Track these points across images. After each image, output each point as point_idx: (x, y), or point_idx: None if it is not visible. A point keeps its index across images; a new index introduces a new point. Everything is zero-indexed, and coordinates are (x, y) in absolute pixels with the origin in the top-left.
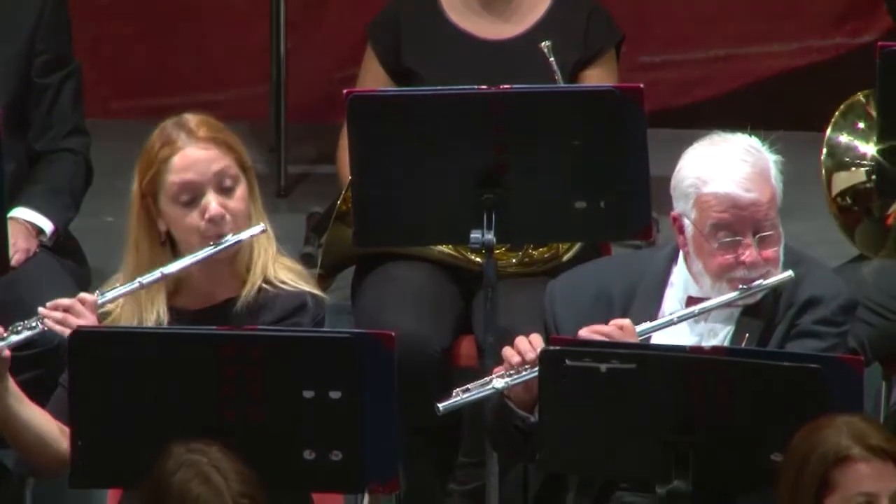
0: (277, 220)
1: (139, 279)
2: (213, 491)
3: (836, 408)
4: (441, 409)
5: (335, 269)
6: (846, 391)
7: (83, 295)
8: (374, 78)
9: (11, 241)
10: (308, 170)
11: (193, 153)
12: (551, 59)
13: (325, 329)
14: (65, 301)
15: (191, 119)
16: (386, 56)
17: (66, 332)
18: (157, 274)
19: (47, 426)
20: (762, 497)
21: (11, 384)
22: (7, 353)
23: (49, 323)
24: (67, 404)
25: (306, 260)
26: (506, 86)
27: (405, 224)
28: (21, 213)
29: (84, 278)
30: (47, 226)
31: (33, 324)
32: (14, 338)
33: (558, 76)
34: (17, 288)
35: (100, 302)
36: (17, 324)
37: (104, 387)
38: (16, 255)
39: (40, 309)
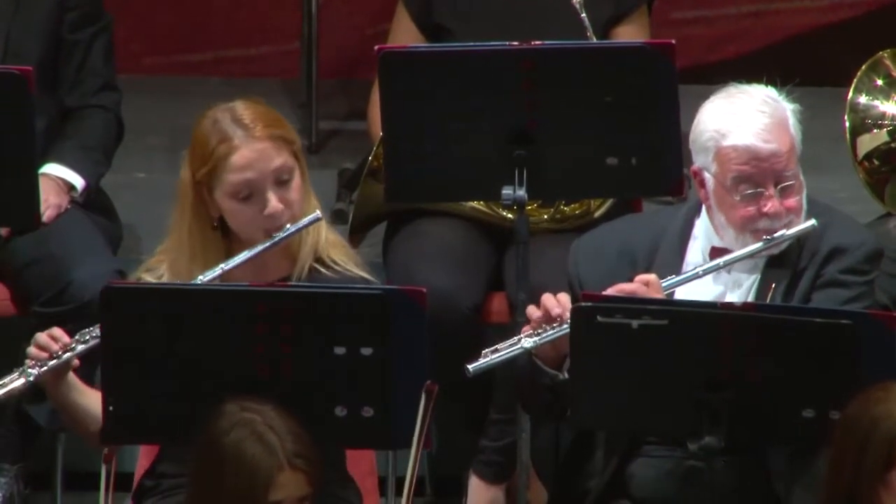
0: (309, 177)
1: (200, 277)
2: (267, 450)
3: (869, 365)
4: (471, 370)
5: (367, 225)
6: (879, 348)
7: None
8: (405, 34)
9: (43, 196)
10: (339, 126)
11: (252, 152)
12: (583, 14)
13: (356, 285)
14: None
15: (244, 113)
16: (417, 12)
17: None
18: (217, 271)
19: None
20: (793, 453)
21: (72, 378)
22: (77, 362)
23: None
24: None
25: (338, 216)
26: (537, 42)
27: (437, 180)
28: (52, 168)
29: (115, 234)
30: (78, 182)
31: (98, 332)
32: (81, 347)
33: (590, 32)
34: (48, 244)
35: None
36: (84, 332)
37: (136, 343)
38: (47, 212)
39: None
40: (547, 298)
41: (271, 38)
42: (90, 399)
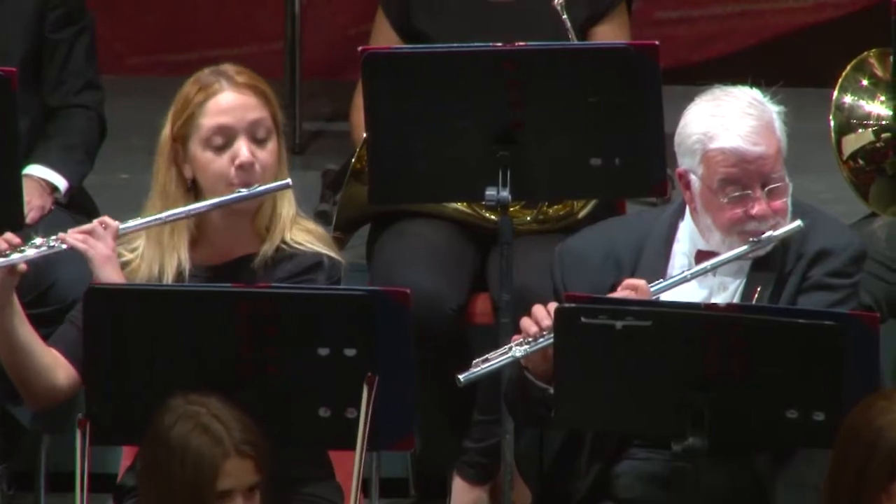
0: (292, 178)
1: (163, 213)
2: (213, 440)
3: (852, 365)
4: (462, 380)
5: (350, 226)
6: (861, 348)
7: (105, 219)
8: (385, 40)
9: (26, 198)
10: (323, 127)
11: (230, 97)
12: (564, 16)
13: (340, 287)
14: (86, 226)
15: (230, 67)
16: (396, 18)
17: (88, 249)
18: (181, 210)
19: (43, 353)
20: (777, 453)
21: (16, 302)
22: (24, 266)
23: (70, 241)
24: (72, 342)
25: (322, 217)
26: (520, 43)
27: (420, 181)
28: (35, 170)
29: None
30: (61, 183)
31: (52, 243)
32: (31, 251)
33: (572, 34)
34: None
35: (121, 230)
36: (36, 239)
37: (119, 344)
38: (31, 213)
39: (60, 234)
40: (537, 309)
41: (254, 38)
42: (28, 332)
